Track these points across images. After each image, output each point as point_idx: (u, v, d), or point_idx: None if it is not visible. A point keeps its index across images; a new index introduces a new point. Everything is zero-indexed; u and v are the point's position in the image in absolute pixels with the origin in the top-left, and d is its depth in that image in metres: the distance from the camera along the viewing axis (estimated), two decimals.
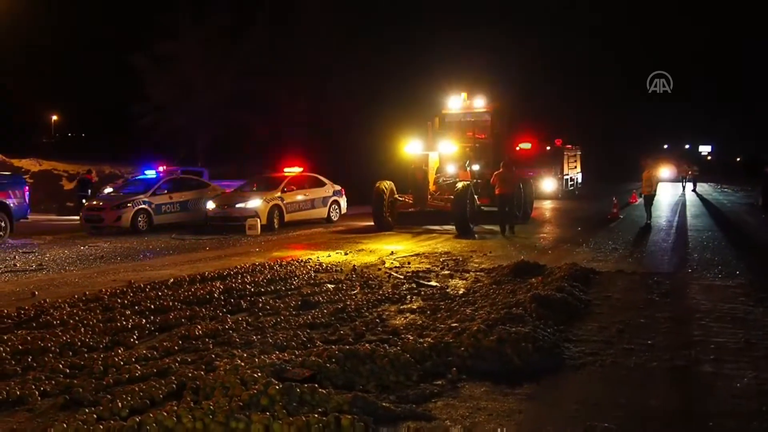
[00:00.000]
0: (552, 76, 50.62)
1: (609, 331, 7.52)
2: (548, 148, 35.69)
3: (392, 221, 19.60)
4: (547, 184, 34.65)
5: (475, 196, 19.45)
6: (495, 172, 18.58)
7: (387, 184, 19.65)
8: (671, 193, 39.47)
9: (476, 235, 17.79)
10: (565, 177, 35.98)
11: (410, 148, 19.59)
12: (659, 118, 65.04)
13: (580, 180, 39.45)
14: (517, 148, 36.37)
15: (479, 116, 21.69)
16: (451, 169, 20.40)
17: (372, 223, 19.79)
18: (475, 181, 19.89)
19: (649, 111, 62.61)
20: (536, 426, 4.93)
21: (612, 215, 22.80)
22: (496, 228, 18.51)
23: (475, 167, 20.47)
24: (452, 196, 18.52)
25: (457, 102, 21.89)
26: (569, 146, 37.52)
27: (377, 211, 19.31)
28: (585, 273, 10.82)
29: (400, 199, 19.77)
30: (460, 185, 18.44)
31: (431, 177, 19.86)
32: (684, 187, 43.66)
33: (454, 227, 18.52)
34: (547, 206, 29.40)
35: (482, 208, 20.07)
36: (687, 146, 76.92)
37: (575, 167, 38.37)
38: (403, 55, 37.46)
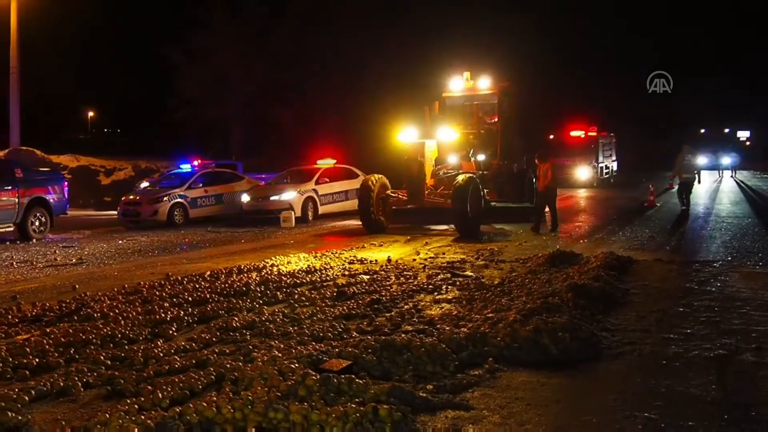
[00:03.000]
0: (584, 61, 50.11)
1: (647, 320, 7.44)
2: (582, 136, 35.39)
3: (385, 221, 17.10)
4: (582, 172, 34.35)
5: (485, 190, 17.02)
6: (540, 165, 16.59)
7: (376, 178, 17.20)
8: (709, 180, 38.83)
9: (485, 237, 15.54)
10: (600, 165, 35.63)
11: (404, 136, 17.09)
12: (696, 103, 63.83)
13: (615, 168, 39.03)
14: (550, 137, 36.30)
15: (485, 99, 19.20)
16: (453, 159, 17.95)
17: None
18: (480, 172, 17.44)
19: (686, 95, 61.55)
20: (574, 416, 4.90)
21: (649, 203, 22.53)
22: (511, 228, 16.75)
23: (481, 157, 18.01)
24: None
25: (459, 83, 19.38)
26: (604, 134, 37.12)
27: (364, 209, 16.71)
28: (622, 262, 10.71)
29: (393, 195, 17.20)
30: (461, 178, 15.82)
31: (428, 169, 17.21)
32: (721, 173, 42.96)
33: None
34: (582, 195, 29.14)
35: (494, 204, 17.52)
36: (726, 130, 75.33)
37: (610, 155, 37.96)
38: (434, 40, 37.20)
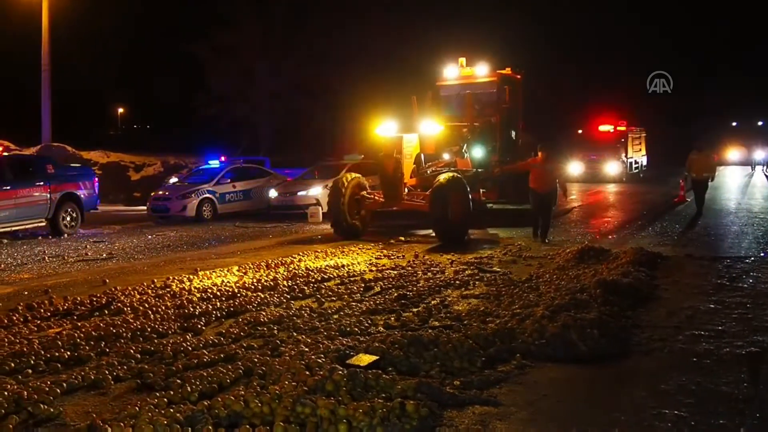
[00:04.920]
0: (611, 54, 49.63)
1: (678, 317, 7.35)
2: (611, 130, 35.05)
3: (360, 225, 15.12)
4: (611, 167, 34.04)
5: (482, 190, 15.75)
6: (530, 161, 14.49)
7: (350, 177, 15.23)
8: (740, 175, 38.26)
9: (471, 244, 13.56)
10: (630, 160, 35.28)
11: (383, 129, 15.15)
12: (728, 95, 62.70)
13: (645, 163, 38.62)
14: (579, 132, 36.01)
15: (483, 88, 17.38)
16: (447, 156, 16.03)
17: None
18: (475, 170, 15.78)
19: (716, 88, 60.62)
20: (603, 413, 4.85)
21: (679, 198, 22.22)
22: (503, 233, 14.87)
23: (478, 153, 16.30)
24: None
25: (454, 70, 17.70)
26: (633, 128, 36.74)
27: (334, 212, 14.91)
28: (651, 257, 10.58)
29: (369, 196, 15.14)
30: (442, 177, 13.86)
31: (407, 167, 14.95)
32: (754, 168, 42.29)
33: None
34: (611, 190, 28.88)
35: (490, 205, 16.21)
36: (760, 123, 73.77)
37: (640, 150, 37.57)
38: (457, 32, 36.99)
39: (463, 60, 17.63)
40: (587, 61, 47.68)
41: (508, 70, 17.68)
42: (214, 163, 22.81)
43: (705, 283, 9.18)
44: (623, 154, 34.64)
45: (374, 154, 16.28)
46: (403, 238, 14.19)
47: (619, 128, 35.18)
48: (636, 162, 36.56)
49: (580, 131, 36.05)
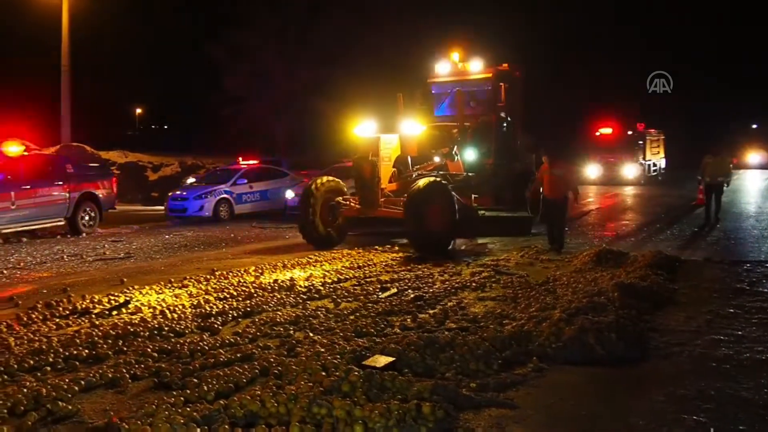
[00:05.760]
0: (627, 55, 49.33)
1: (697, 321, 7.29)
2: (630, 132, 34.83)
3: (335, 233, 13.87)
4: (629, 169, 33.82)
5: (474, 196, 14.37)
6: (542, 168, 13.18)
7: (322, 182, 13.89)
8: (760, 179, 37.89)
9: (456, 256, 12.13)
10: (648, 162, 35.03)
11: (361, 130, 13.95)
12: (748, 96, 61.93)
13: (663, 165, 38.34)
14: (597, 134, 35.81)
15: (478, 85, 16.19)
16: (436, 159, 14.63)
17: None
18: (465, 175, 14.38)
19: (736, 89, 59.95)
20: (622, 417, 4.82)
21: (698, 201, 22.02)
22: (496, 244, 13.63)
23: (469, 155, 14.82)
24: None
25: (446, 66, 16.44)
26: (652, 130, 36.49)
27: (301, 219, 13.69)
28: (670, 261, 10.50)
29: (345, 202, 13.84)
30: (421, 182, 12.52)
31: (385, 170, 13.60)
32: None
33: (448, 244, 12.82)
34: (628, 193, 28.70)
35: (482, 212, 14.42)
36: None
37: (658, 152, 37.30)
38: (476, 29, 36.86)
39: (455, 54, 16.41)
40: (603, 62, 47.34)
41: (505, 66, 16.44)
42: (244, 164, 22.84)
43: (724, 287, 9.10)
44: (641, 157, 34.41)
45: (350, 157, 14.96)
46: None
47: (637, 130, 34.95)
48: (654, 164, 36.30)
49: (597, 133, 35.83)
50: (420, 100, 16.24)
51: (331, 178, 14.37)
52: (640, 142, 34.56)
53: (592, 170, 34.35)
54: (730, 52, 60.09)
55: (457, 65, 16.42)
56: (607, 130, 35.48)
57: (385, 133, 13.86)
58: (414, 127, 14.05)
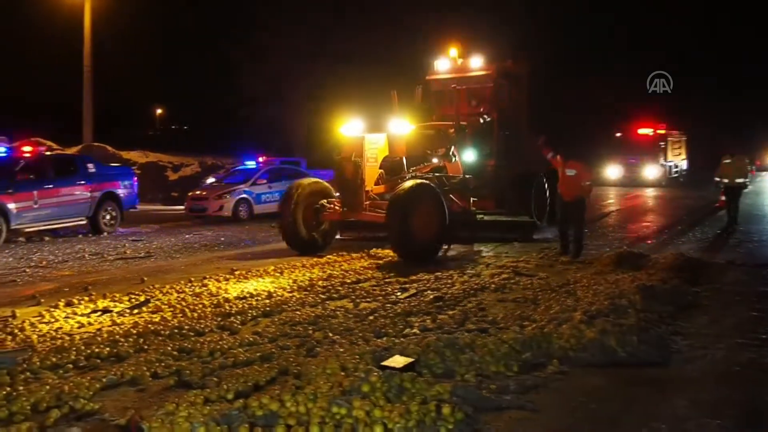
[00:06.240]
0: (650, 56, 48.90)
1: (720, 325, 7.21)
2: (651, 133, 34.59)
3: (321, 239, 13.05)
4: (650, 171, 33.59)
5: (473, 199, 13.66)
6: (553, 161, 12.40)
7: (305, 184, 13.17)
8: None
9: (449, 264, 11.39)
10: (669, 164, 34.77)
11: (348, 129, 13.14)
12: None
13: (685, 167, 38.04)
14: (617, 134, 35.57)
15: (478, 82, 15.43)
16: (435, 160, 13.84)
17: None
18: (462, 177, 13.61)
19: (758, 88, 59.14)
20: (643, 422, 4.77)
21: (720, 203, 21.81)
22: (491, 249, 12.92)
23: (468, 156, 14.06)
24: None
25: (446, 63, 15.88)
26: (673, 132, 36.22)
27: (282, 222, 13.02)
28: (692, 263, 10.40)
29: (328, 206, 12.98)
30: (407, 184, 11.82)
31: (371, 171, 12.74)
32: None
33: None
34: (650, 194, 28.49)
35: (481, 216, 13.91)
36: None
37: (680, 153, 37.02)
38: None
39: (455, 50, 15.76)
40: (622, 61, 47.00)
41: (509, 62, 15.84)
42: (251, 164, 22.95)
43: (747, 290, 9.00)
44: (663, 158, 34.16)
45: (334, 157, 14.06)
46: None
47: (658, 131, 34.69)
48: (676, 166, 36.04)
49: (618, 134, 35.61)
50: (419, 98, 15.36)
51: (315, 179, 13.73)
52: (662, 144, 34.31)
53: (613, 171, 34.14)
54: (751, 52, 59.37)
55: (456, 61, 15.76)
56: (629, 131, 35.25)
57: (371, 133, 13.08)
58: (402, 127, 13.26)
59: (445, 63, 15.89)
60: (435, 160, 13.83)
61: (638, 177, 33.45)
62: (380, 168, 13.00)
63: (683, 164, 37.73)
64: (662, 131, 34.78)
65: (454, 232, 12.50)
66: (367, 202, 12.48)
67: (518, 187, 14.96)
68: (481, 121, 14.98)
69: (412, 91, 15.24)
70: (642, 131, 34.70)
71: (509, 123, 15.49)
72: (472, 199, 13.63)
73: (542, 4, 42.65)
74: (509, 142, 15.30)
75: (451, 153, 13.71)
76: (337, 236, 14.06)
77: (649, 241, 14.12)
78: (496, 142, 15.06)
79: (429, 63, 16.22)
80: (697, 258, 11.03)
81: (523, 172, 15.31)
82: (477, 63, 15.46)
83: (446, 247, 12.57)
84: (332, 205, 12.96)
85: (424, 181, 12.25)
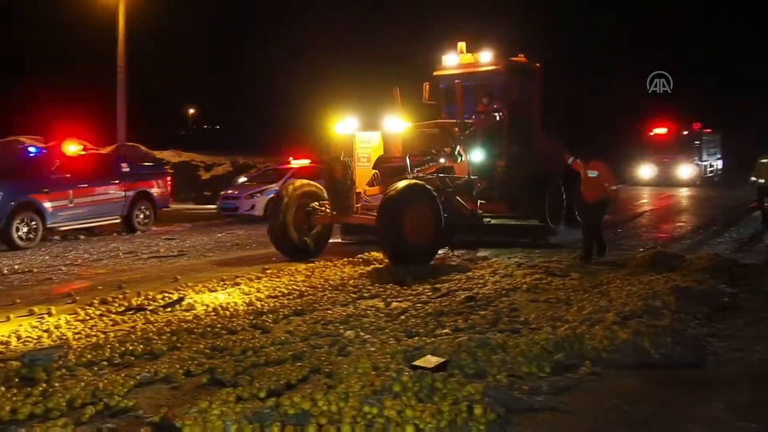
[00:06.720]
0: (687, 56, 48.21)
1: (757, 327, 7.09)
2: (685, 132, 34.09)
3: (312, 243, 12.30)
4: (684, 170, 33.12)
5: (480, 202, 12.97)
6: (573, 165, 11.88)
7: (295, 186, 12.40)
8: None
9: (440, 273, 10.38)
10: (704, 163, 34.26)
11: (341, 127, 12.43)
12: None
13: (720, 166, 37.46)
14: (652, 133, 35.13)
15: (487, 78, 14.62)
16: (442, 160, 13.02)
17: None
18: (467, 177, 12.81)
19: None
20: (678, 424, 4.71)
21: (755, 204, 21.46)
22: (497, 253, 12.19)
23: (476, 157, 13.26)
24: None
25: (453, 58, 15.03)
26: (708, 130, 35.67)
27: (273, 226, 12.21)
28: (728, 264, 10.21)
29: (319, 208, 12.30)
30: (401, 185, 11.04)
31: (363, 172, 12.04)
32: None
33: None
34: (684, 194, 28.11)
35: (488, 219, 13.39)
36: None
37: (715, 152, 36.46)
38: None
39: (462, 45, 14.92)
40: (656, 60, 46.42)
41: (520, 57, 15.00)
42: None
43: None
44: (697, 157, 33.68)
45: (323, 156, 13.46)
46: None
47: (693, 130, 34.19)
48: (711, 165, 35.50)
49: (651, 133, 35.16)
50: (426, 95, 14.80)
51: (307, 181, 12.92)
52: (696, 143, 33.82)
53: (645, 171, 33.73)
54: None
55: (464, 55, 14.89)
56: (662, 130, 34.78)
57: (364, 131, 12.43)
58: (398, 124, 12.61)
59: (453, 58, 15.07)
60: (442, 160, 13.11)
61: (672, 176, 32.99)
62: (374, 168, 12.28)
63: (718, 164, 37.14)
64: (697, 130, 34.28)
65: (451, 236, 12.01)
66: (359, 205, 11.83)
67: (531, 189, 14.05)
68: (489, 118, 14.21)
69: (419, 87, 14.80)
70: (676, 130, 34.23)
71: (521, 121, 14.66)
72: (479, 201, 13.00)
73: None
74: (521, 142, 14.57)
75: (456, 152, 12.99)
76: (339, 240, 13.84)
77: (684, 242, 13.93)
78: (507, 141, 14.24)
79: (437, 58, 15.39)
80: (733, 259, 10.85)
81: (536, 172, 14.35)
82: (486, 57, 14.58)
83: (451, 252, 12.16)
84: (324, 208, 12.30)
85: (418, 181, 11.52)
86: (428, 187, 11.44)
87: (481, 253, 12.22)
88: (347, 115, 12.53)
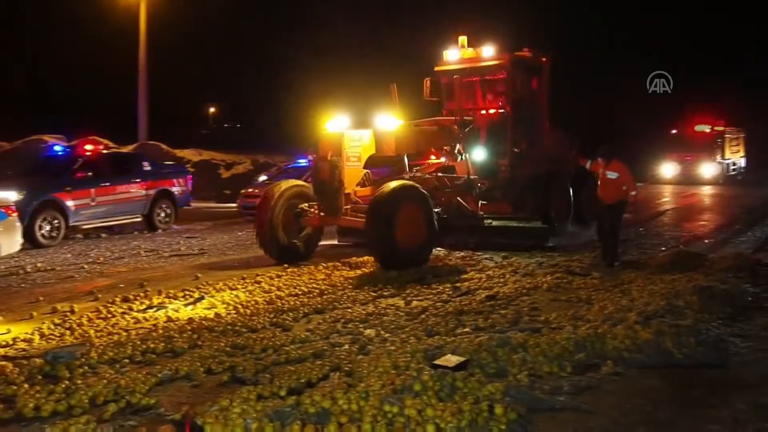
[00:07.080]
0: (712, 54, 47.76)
1: None
2: (707, 130, 33.75)
3: (302, 245, 11.87)
4: (707, 169, 32.80)
5: (482, 202, 12.60)
6: (592, 167, 11.33)
7: (284, 187, 11.87)
8: None
9: (429, 277, 9.94)
10: (727, 162, 33.91)
11: (332, 125, 11.90)
12: None
13: (743, 165, 37.06)
14: (674, 131, 34.80)
15: (490, 73, 13.99)
16: (443, 159, 13.01)
17: None
18: (467, 177, 12.41)
19: None
20: (701, 425, 4.67)
21: None
22: (494, 256, 11.64)
23: (478, 155, 12.90)
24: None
25: (455, 53, 14.28)
26: (731, 128, 35.30)
27: (261, 229, 11.67)
28: (751, 264, 10.08)
29: (308, 209, 11.80)
30: (392, 185, 10.78)
31: (351, 172, 11.48)
32: None
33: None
34: (706, 192, 27.83)
35: (490, 222, 12.95)
36: None
37: (738, 151, 36.06)
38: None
39: (464, 39, 14.23)
40: (678, 56, 45.94)
41: (525, 52, 14.27)
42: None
43: None
44: (720, 156, 33.34)
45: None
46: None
47: (716, 128, 33.83)
48: (734, 164, 35.12)
49: (674, 131, 34.84)
50: (427, 91, 14.26)
51: (297, 182, 12.56)
52: (719, 141, 33.48)
53: (668, 169, 33.44)
54: None
55: (466, 50, 14.19)
56: (684, 129, 34.47)
57: (354, 129, 11.92)
58: (390, 122, 12.11)
59: (454, 53, 14.33)
60: (443, 159, 12.91)
61: (694, 175, 32.66)
62: (365, 168, 11.84)
63: (741, 162, 36.74)
64: (720, 128, 33.92)
65: (445, 238, 11.77)
66: (348, 206, 11.34)
67: (535, 189, 13.43)
68: (491, 115, 13.78)
69: (419, 84, 14.37)
70: (699, 128, 33.89)
71: (526, 118, 14.04)
72: (480, 202, 12.61)
73: None
74: (526, 140, 14.06)
75: (456, 151, 12.68)
76: (336, 242, 13.60)
77: (707, 241, 13.79)
78: (511, 139, 13.69)
79: (438, 53, 14.68)
80: (757, 258, 10.72)
81: (542, 172, 13.70)
82: (489, 52, 13.88)
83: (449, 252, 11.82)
84: (313, 209, 11.79)
85: (408, 182, 11.24)
86: (420, 187, 11.10)
87: (482, 255, 11.78)
88: (338, 112, 12.13)
